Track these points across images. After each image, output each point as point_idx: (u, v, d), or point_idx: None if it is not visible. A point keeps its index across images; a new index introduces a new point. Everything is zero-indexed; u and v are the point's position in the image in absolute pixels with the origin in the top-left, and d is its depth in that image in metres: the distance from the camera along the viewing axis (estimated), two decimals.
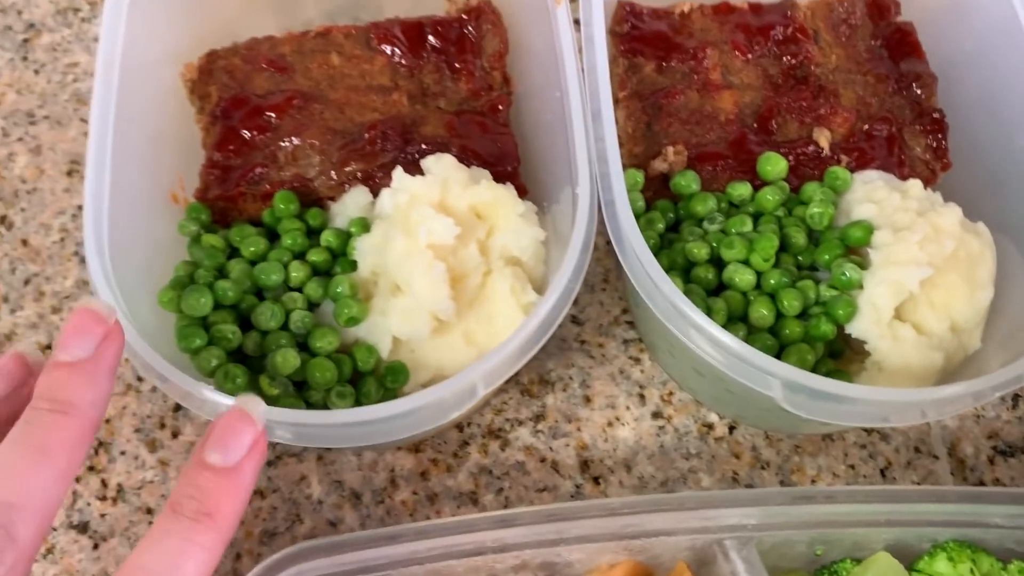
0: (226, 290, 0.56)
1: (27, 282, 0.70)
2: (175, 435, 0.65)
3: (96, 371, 0.40)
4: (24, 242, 0.72)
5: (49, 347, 0.68)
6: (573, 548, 0.53)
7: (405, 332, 0.56)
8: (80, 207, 0.73)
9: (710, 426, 0.66)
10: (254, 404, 0.43)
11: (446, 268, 0.55)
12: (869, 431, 0.66)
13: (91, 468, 0.64)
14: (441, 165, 0.59)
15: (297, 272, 0.58)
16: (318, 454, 0.64)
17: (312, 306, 0.58)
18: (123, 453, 0.65)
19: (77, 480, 0.64)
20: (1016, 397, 0.68)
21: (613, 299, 0.71)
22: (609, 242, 0.68)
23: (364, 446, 0.64)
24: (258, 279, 0.57)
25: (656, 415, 0.66)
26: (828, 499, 0.54)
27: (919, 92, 0.68)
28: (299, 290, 0.58)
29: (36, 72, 0.79)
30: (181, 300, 0.55)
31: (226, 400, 0.48)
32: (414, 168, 0.61)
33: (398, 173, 0.58)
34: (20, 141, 0.76)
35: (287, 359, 0.54)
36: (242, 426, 0.42)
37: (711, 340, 0.52)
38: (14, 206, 0.73)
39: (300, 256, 0.59)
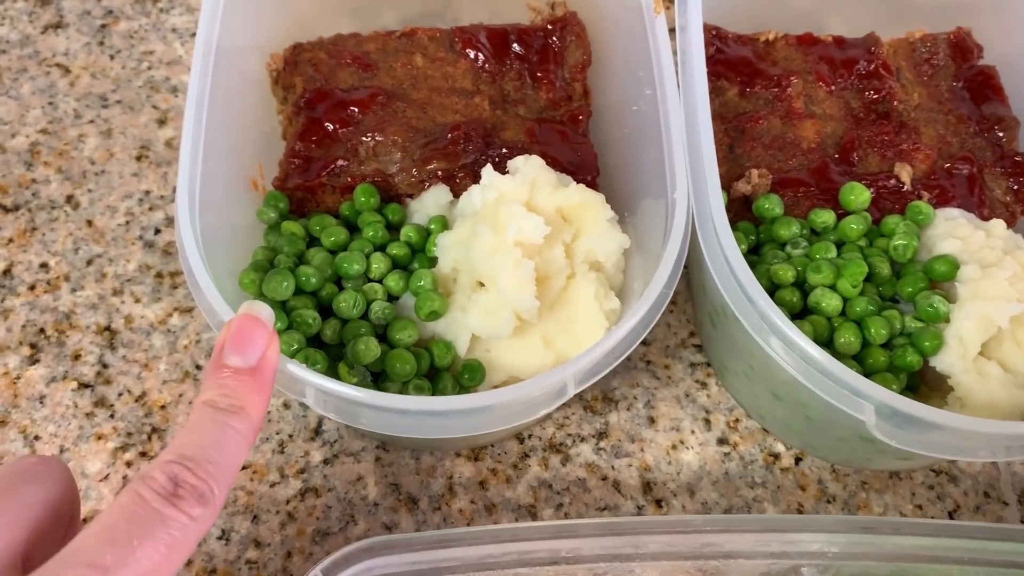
0: (309, 276, 0.55)
1: (89, 263, 0.70)
2: None
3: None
4: (89, 223, 0.71)
5: (108, 329, 0.67)
6: (648, 565, 0.51)
7: (486, 329, 0.55)
8: (147, 192, 0.73)
9: (776, 456, 0.65)
10: (260, 308, 0.45)
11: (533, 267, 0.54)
12: (938, 472, 0.65)
13: (143, 454, 0.63)
14: (530, 165, 0.58)
15: (378, 264, 0.57)
16: (376, 455, 0.63)
17: (391, 299, 0.57)
18: None
19: (128, 465, 0.62)
20: None
21: (681, 321, 0.70)
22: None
23: (428, 446, 0.62)
24: (339, 268, 0.57)
25: (722, 441, 0.65)
26: (905, 532, 0.52)
27: (1000, 135, 0.68)
28: (379, 282, 0.57)
29: (111, 57, 0.79)
30: (263, 283, 0.54)
31: (308, 374, 0.47)
32: (497, 170, 0.61)
33: (488, 171, 0.58)
34: (91, 123, 0.76)
35: (369, 347, 0.53)
36: (254, 328, 0.43)
37: (802, 355, 0.51)
38: (82, 186, 0.73)
39: (380, 249, 0.59)
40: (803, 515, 0.62)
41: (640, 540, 0.51)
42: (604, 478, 0.63)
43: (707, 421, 0.66)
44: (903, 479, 0.64)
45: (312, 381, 0.47)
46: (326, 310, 0.57)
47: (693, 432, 0.65)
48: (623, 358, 0.51)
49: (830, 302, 0.57)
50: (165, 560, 0.34)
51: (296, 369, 0.47)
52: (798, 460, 0.65)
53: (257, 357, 0.42)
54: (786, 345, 0.51)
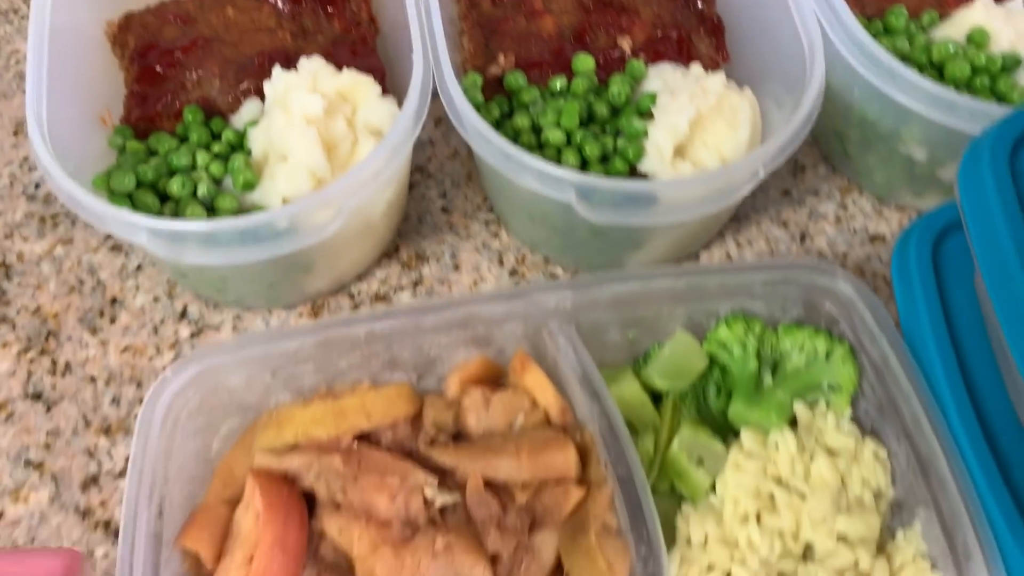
0: (146, 171, 0.70)
1: None
2: (113, 321, 0.78)
3: None
4: None
5: (3, 263, 0.81)
6: (431, 342, 0.66)
7: (290, 190, 0.70)
8: (25, 157, 0.88)
9: (555, 277, 0.81)
10: None
11: (317, 132, 0.70)
12: None
13: (42, 351, 0.77)
14: (312, 63, 0.74)
15: (203, 157, 0.73)
16: (233, 324, 0.78)
17: (216, 183, 0.73)
18: (69, 338, 0.77)
19: (31, 362, 0.76)
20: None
21: (475, 191, 0.86)
22: (469, 150, 0.83)
23: (270, 303, 0.78)
24: (171, 163, 0.72)
25: (513, 273, 0.81)
26: (631, 278, 0.67)
27: (701, 6, 0.86)
28: (205, 171, 0.73)
29: None
30: (110, 179, 0.69)
31: (140, 218, 0.63)
32: None
33: (277, 69, 0.74)
34: None
35: (195, 213, 0.68)
36: None
37: (515, 160, 0.67)
38: None
39: (205, 148, 0.74)
40: (545, 281, 0.78)
41: (425, 319, 0.66)
42: None
43: (500, 261, 0.82)
44: None
45: (144, 224, 0.62)
46: (165, 199, 0.72)
47: (490, 270, 0.81)
48: (397, 164, 0.66)
49: (555, 135, 0.74)
50: None
51: (130, 215, 0.62)
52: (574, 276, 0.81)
53: None
54: (504, 156, 0.67)
